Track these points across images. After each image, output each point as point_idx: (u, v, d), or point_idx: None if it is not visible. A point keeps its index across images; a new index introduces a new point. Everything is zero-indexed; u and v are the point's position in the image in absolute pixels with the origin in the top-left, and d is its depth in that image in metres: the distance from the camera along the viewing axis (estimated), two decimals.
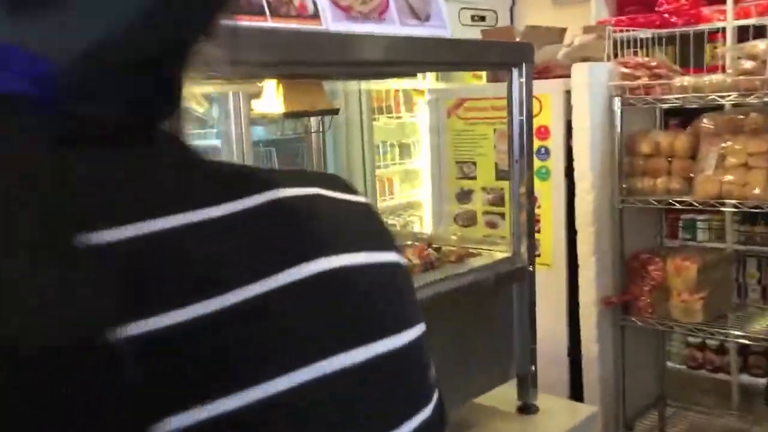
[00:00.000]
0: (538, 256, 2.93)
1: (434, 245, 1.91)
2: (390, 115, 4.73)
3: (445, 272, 1.66)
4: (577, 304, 2.89)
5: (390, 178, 4.68)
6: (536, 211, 2.92)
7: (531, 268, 1.81)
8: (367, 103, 4.39)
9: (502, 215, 3.01)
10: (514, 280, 1.77)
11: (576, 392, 2.93)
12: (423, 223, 4.73)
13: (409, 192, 4.98)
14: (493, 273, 1.72)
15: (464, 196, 3.16)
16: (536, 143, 2.91)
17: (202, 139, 4.10)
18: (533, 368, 1.83)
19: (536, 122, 2.88)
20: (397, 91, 4.72)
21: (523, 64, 1.73)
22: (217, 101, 3.94)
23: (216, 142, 4.09)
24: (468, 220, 3.16)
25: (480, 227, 3.15)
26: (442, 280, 1.61)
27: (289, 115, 1.59)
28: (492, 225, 3.10)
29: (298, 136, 4.59)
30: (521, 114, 1.76)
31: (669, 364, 3.41)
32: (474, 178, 3.15)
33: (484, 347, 1.76)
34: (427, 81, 4.41)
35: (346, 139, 4.26)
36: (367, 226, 0.49)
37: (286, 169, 0.49)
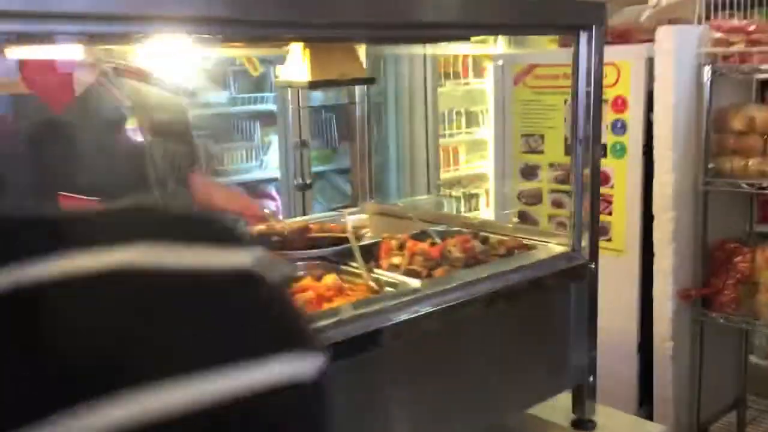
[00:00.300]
0: (609, 240, 2.67)
1: (484, 233, 1.69)
2: (457, 82, 4.47)
3: (490, 269, 1.44)
4: (651, 297, 2.61)
5: (456, 148, 4.44)
6: (609, 191, 2.65)
7: (593, 266, 1.57)
8: (432, 69, 4.15)
9: (571, 194, 2.75)
10: (573, 279, 1.54)
11: (645, 392, 2.67)
12: (489, 198, 4.49)
13: (476, 163, 4.73)
14: (547, 270, 1.49)
15: (529, 171, 2.91)
16: (612, 116, 2.63)
17: (259, 104, 3.96)
18: (591, 379, 1.60)
19: (613, 92, 2.60)
20: (465, 56, 4.45)
21: (593, 28, 1.47)
22: (273, 64, 3.78)
23: (272, 107, 3.95)
24: (532, 198, 2.91)
25: (545, 206, 2.89)
26: (485, 278, 1.39)
27: (315, 85, 1.39)
28: (558, 204, 2.84)
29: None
30: (588, 84, 1.51)
31: (751, 358, 3.09)
32: (541, 152, 2.88)
33: (534, 354, 1.54)
34: (499, 46, 4.13)
35: (408, 106, 4.05)
36: (233, 319, 0.28)
37: (109, 208, 0.27)
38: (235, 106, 3.87)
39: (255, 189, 3.84)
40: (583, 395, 1.61)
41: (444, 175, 4.27)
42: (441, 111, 4.25)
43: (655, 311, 2.60)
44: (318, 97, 3.96)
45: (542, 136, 2.87)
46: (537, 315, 1.50)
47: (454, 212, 4.16)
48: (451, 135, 4.36)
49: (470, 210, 4.47)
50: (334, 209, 2.01)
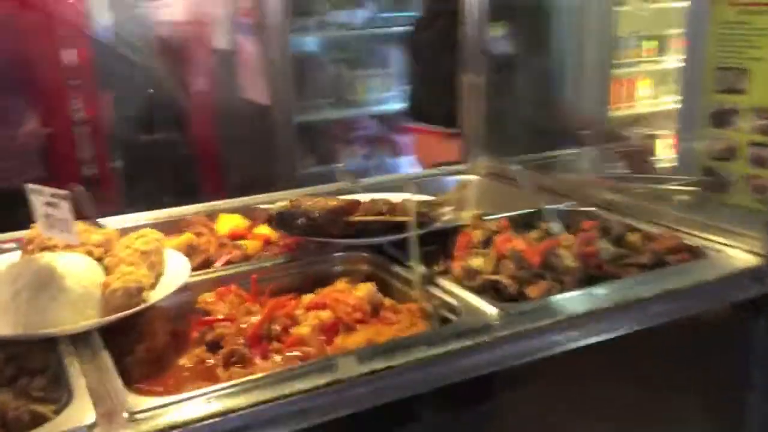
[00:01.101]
0: None
1: (623, 222, 1.15)
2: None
3: (619, 292, 0.91)
4: None
5: (632, 81, 3.71)
6: None
7: None
8: None
9: None
10: (759, 312, 0.97)
11: None
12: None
13: (663, 99, 3.98)
14: (717, 301, 0.94)
15: (722, 117, 2.23)
16: None
17: (401, 25, 3.47)
18: None
19: None
20: None
21: None
22: None
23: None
24: (723, 153, 2.23)
25: (741, 163, 2.21)
26: (606, 310, 0.87)
27: None
28: (760, 162, 2.15)
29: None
30: None
31: None
32: (742, 92, 2.19)
33: (691, 407, 1.01)
34: None
35: (578, 27, 3.38)
36: None
37: None
38: (374, 28, 3.42)
39: (389, 123, 3.41)
40: None
41: (615, 114, 3.60)
42: (620, 35, 3.54)
43: None
44: None
45: (745, 71, 2.17)
46: (694, 361, 0.97)
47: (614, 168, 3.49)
48: (630, 65, 3.65)
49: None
50: (436, 165, 1.53)
